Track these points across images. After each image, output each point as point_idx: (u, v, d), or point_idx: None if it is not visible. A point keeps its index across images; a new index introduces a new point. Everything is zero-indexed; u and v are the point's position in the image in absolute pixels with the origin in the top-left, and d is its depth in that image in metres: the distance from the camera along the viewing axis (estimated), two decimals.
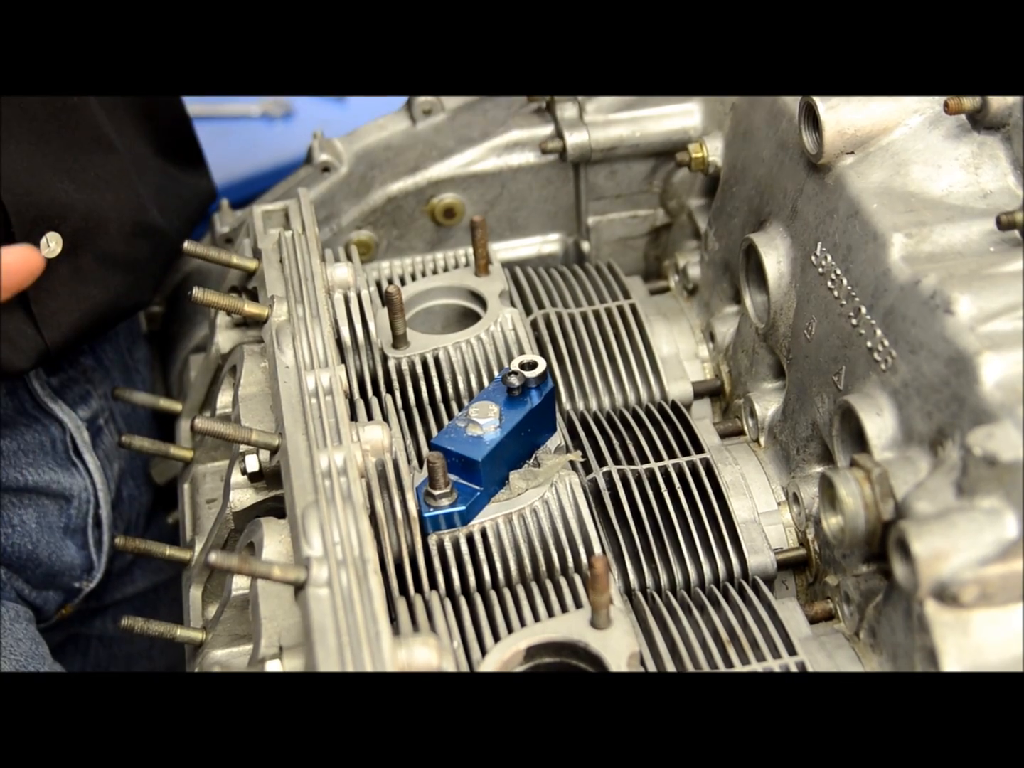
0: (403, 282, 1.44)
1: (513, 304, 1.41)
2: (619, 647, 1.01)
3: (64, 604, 1.51)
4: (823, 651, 1.08)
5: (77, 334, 1.39)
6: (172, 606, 1.31)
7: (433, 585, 1.11)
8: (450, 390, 1.30)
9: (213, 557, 0.98)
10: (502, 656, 1.02)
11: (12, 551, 1.43)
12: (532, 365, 1.21)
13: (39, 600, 1.47)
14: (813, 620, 1.13)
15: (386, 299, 1.31)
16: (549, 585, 1.10)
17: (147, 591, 1.64)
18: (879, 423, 1.06)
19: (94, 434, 1.50)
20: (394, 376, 1.31)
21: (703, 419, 1.36)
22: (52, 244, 1.32)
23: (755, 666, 1.05)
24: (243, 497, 1.23)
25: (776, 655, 1.05)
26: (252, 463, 1.20)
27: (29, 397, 1.44)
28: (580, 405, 1.36)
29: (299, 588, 0.98)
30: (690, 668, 1.05)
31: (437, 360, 1.31)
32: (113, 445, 1.52)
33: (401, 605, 1.06)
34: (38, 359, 1.36)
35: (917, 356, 1.03)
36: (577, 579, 1.10)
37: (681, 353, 1.44)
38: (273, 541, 1.10)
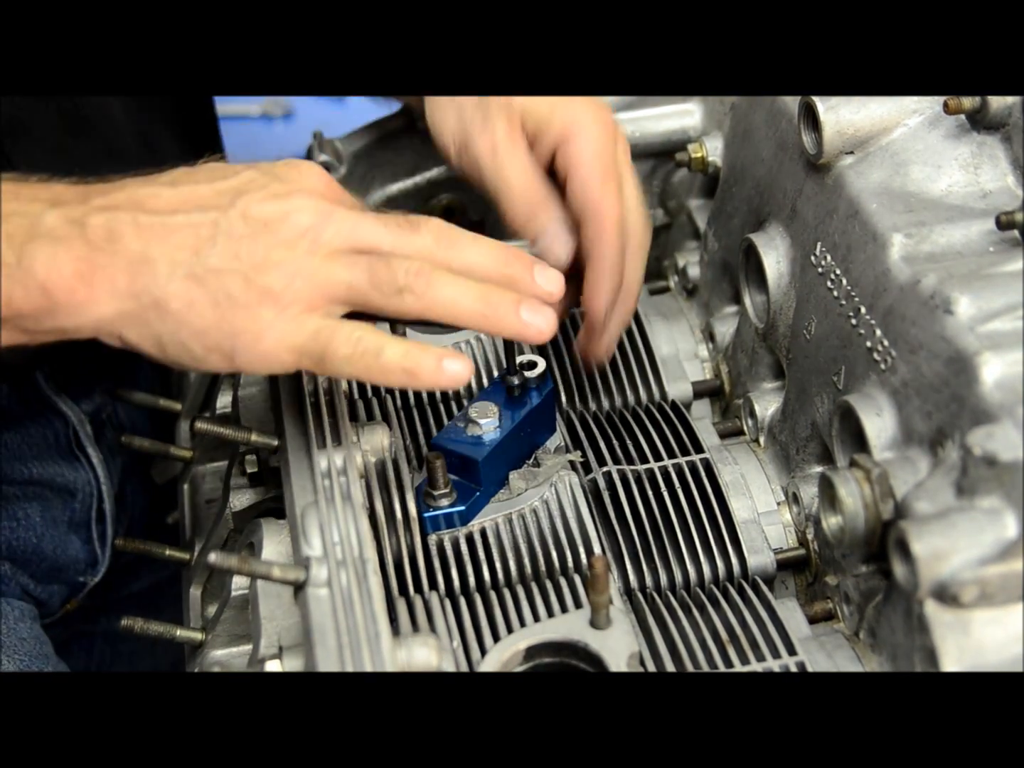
0: None
1: None
2: (619, 647, 1.01)
3: (69, 599, 1.51)
4: (823, 651, 1.08)
5: None
6: (176, 603, 1.32)
7: (433, 585, 1.11)
8: (449, 390, 1.30)
9: (213, 557, 0.98)
10: (502, 656, 1.02)
11: (17, 545, 1.44)
12: (532, 365, 1.21)
13: (44, 595, 1.47)
14: (813, 620, 1.13)
15: None
16: (549, 585, 1.10)
17: (151, 588, 1.64)
18: (879, 423, 1.06)
19: (97, 428, 1.51)
20: None
21: (703, 419, 1.36)
22: None
23: (755, 666, 1.05)
24: (243, 497, 1.23)
25: (776, 655, 1.05)
26: (251, 464, 1.20)
27: (33, 391, 1.45)
28: (580, 405, 1.35)
29: (299, 588, 0.98)
30: (690, 668, 1.05)
31: None
32: (116, 440, 1.53)
33: (401, 605, 1.06)
34: (41, 356, 1.37)
35: (917, 356, 1.03)
36: (577, 579, 1.10)
37: (681, 353, 1.44)
38: (273, 541, 1.11)
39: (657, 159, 1.54)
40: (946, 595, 0.94)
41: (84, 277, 0.96)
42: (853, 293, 1.13)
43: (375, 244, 1.02)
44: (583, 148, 1.16)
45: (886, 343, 1.08)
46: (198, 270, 0.97)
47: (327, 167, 1.58)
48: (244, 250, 0.98)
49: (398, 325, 1.31)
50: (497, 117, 1.19)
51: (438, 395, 1.29)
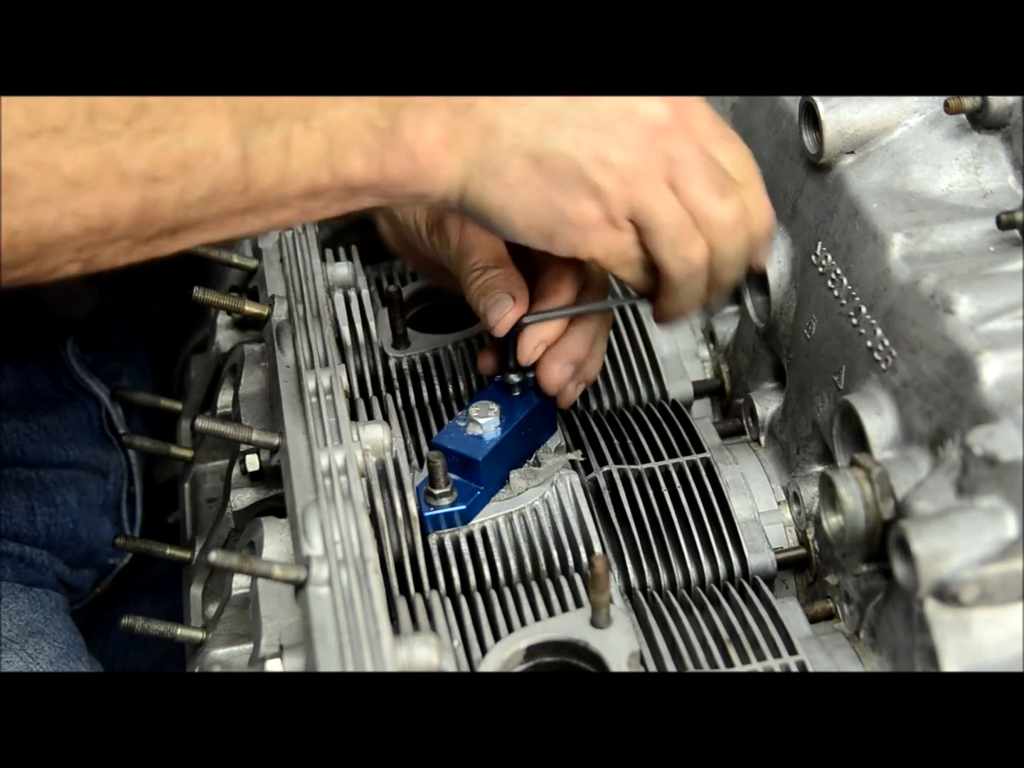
0: (404, 281, 1.44)
1: None
2: (619, 646, 1.01)
3: (99, 582, 1.53)
4: (823, 650, 1.08)
5: (129, 291, 1.47)
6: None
7: (433, 584, 1.12)
8: (450, 390, 1.30)
9: (214, 556, 0.98)
10: (502, 655, 1.02)
11: (55, 531, 1.46)
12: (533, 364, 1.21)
13: (77, 580, 1.49)
14: (813, 619, 1.13)
15: (386, 298, 1.31)
16: (549, 584, 1.10)
17: (164, 575, 1.65)
18: (879, 422, 1.06)
19: (126, 410, 1.53)
20: (394, 376, 1.31)
21: (703, 419, 1.36)
22: None
23: (755, 665, 1.05)
24: (243, 496, 1.23)
25: (776, 654, 1.05)
26: (252, 462, 1.20)
27: (65, 374, 1.49)
28: (580, 405, 1.35)
29: (299, 587, 0.98)
30: (690, 667, 1.05)
31: (438, 360, 1.31)
32: (143, 422, 1.56)
33: (401, 604, 1.06)
34: (94, 313, 1.43)
35: (917, 356, 1.04)
36: (577, 578, 1.10)
37: (681, 353, 1.44)
38: (273, 540, 1.11)
39: None
40: (946, 594, 0.94)
41: (445, 142, 1.00)
42: (854, 293, 1.13)
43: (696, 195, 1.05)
44: None
45: (887, 343, 1.08)
46: (538, 150, 1.00)
47: None
48: (587, 140, 1.01)
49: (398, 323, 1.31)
50: None
51: (438, 394, 1.30)
